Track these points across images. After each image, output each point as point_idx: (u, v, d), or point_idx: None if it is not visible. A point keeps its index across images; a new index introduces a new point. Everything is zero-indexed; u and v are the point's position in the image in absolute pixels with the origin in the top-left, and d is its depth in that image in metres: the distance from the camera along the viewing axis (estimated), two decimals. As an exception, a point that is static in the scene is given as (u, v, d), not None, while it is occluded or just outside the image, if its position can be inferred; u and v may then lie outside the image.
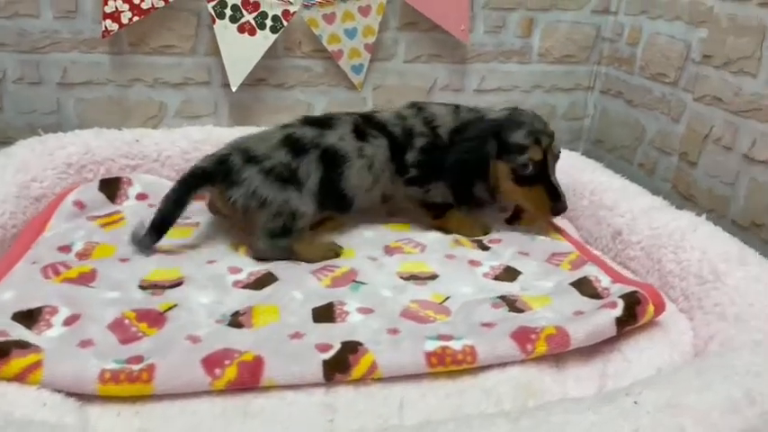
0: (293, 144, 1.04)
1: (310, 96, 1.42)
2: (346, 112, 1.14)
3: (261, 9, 1.28)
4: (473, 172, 1.09)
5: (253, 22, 1.29)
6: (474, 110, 1.16)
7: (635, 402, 0.62)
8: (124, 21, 1.26)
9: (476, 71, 1.49)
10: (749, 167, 1.10)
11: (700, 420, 0.60)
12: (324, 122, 1.09)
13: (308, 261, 1.01)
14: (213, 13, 1.27)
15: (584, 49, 1.52)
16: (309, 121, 1.09)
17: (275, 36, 1.30)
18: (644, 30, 1.39)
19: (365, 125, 1.10)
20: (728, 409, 0.60)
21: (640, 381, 0.66)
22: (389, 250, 1.05)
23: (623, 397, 0.63)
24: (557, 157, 1.09)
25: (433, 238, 1.11)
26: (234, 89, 1.31)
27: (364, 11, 1.34)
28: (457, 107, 1.16)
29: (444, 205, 1.13)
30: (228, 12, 1.27)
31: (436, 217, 1.15)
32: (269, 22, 1.29)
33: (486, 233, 1.14)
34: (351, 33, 1.35)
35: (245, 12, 1.28)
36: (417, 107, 1.15)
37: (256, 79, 1.37)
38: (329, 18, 1.34)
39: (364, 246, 1.07)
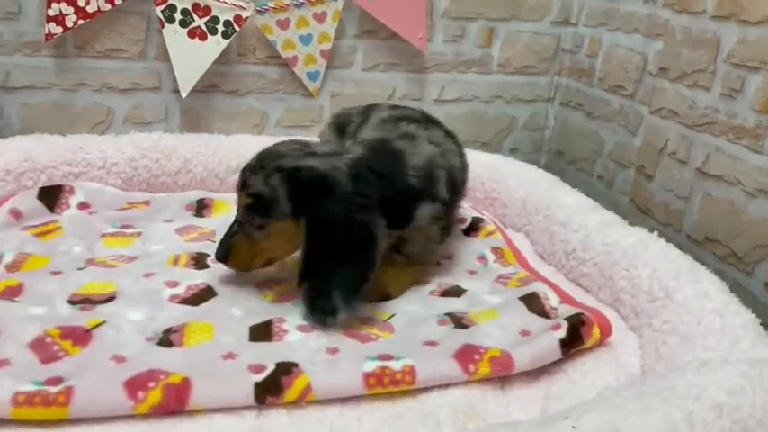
0: (340, 130, 1.05)
1: (265, 104, 1.39)
2: None
3: (212, 14, 1.25)
4: None
5: (204, 27, 1.25)
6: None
7: (573, 427, 0.60)
8: (69, 24, 1.21)
9: (435, 81, 1.47)
10: (703, 182, 1.10)
11: (638, 446, 0.57)
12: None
13: None
14: (162, 17, 1.23)
15: (544, 60, 1.51)
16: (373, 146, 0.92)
17: (227, 41, 1.27)
18: (603, 42, 1.39)
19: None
20: (668, 434, 0.58)
21: (580, 403, 0.64)
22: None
23: (561, 421, 0.61)
24: None
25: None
26: (184, 95, 1.27)
27: (319, 17, 1.31)
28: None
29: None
30: (178, 16, 1.24)
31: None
32: (221, 27, 1.26)
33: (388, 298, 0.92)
34: (306, 40, 1.32)
35: (195, 16, 1.24)
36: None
37: (208, 85, 1.33)
38: (283, 24, 1.30)
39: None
